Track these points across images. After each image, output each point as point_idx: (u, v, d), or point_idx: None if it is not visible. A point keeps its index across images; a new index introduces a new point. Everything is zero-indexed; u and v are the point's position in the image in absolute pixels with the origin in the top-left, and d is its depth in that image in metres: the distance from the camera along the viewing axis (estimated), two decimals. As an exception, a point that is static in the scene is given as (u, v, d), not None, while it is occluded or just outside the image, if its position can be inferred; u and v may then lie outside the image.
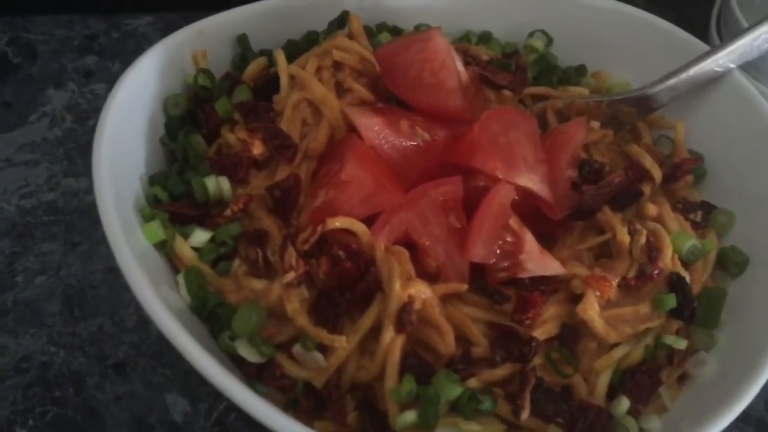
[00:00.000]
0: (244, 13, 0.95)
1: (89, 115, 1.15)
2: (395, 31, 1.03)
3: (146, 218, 0.78)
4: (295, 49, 0.95)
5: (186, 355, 0.65)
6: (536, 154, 0.83)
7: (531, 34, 1.06)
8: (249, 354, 0.72)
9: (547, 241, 0.85)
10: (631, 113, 0.94)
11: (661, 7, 1.43)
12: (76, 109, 1.16)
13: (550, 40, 1.06)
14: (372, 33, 1.00)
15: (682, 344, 0.77)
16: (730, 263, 0.85)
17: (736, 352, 0.79)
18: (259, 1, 0.97)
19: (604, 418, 0.73)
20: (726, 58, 0.91)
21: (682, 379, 0.80)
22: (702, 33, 1.20)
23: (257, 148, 0.81)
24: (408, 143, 0.82)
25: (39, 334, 0.92)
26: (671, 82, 0.92)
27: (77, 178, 1.08)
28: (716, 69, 0.92)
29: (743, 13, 1.14)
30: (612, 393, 0.76)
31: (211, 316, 0.76)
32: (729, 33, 1.16)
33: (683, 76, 0.92)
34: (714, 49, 0.92)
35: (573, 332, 0.76)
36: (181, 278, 0.76)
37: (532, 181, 0.81)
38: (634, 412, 0.75)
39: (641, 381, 0.76)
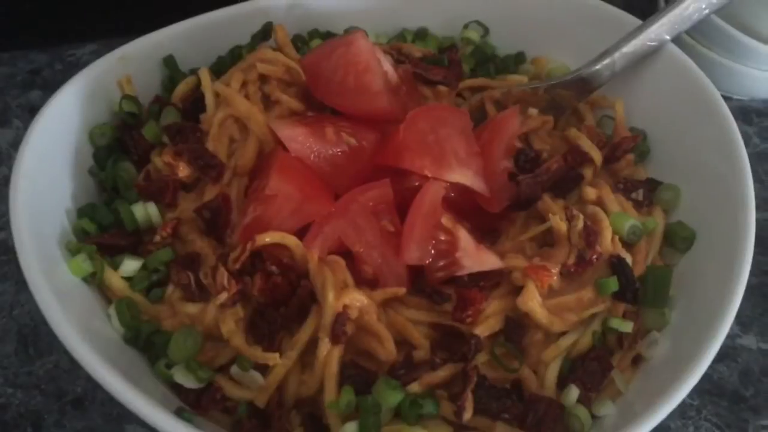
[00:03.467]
0: (168, 34, 0.94)
1: None
2: (328, 37, 1.02)
3: (72, 252, 0.77)
4: (223, 66, 0.94)
5: (113, 394, 0.64)
6: (469, 148, 0.82)
7: (466, 26, 1.05)
8: (186, 380, 0.71)
9: (491, 234, 0.84)
10: (570, 96, 0.93)
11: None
12: (23, 146, 1.15)
13: (486, 31, 1.05)
14: (304, 41, 0.99)
15: (627, 327, 0.76)
16: (678, 239, 0.83)
17: (688, 328, 0.77)
18: (184, 20, 0.96)
19: (554, 409, 0.72)
20: (658, 30, 0.90)
21: (637, 361, 0.78)
22: (654, 7, 1.19)
23: (183, 171, 0.80)
24: (335, 150, 0.80)
25: (-5, 377, 0.92)
26: (606, 61, 0.91)
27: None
28: (650, 43, 0.90)
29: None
30: (563, 383, 0.75)
31: (147, 346, 0.75)
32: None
33: (617, 54, 0.90)
34: (645, 23, 0.91)
35: (517, 325, 0.75)
36: (112, 310, 0.75)
37: (464, 176, 0.80)
38: (585, 400, 0.73)
39: (591, 368, 0.75)
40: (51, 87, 1.22)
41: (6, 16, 1.27)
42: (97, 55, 1.27)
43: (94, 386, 0.91)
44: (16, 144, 1.15)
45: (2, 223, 1.06)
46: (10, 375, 0.92)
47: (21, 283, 1.00)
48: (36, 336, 0.95)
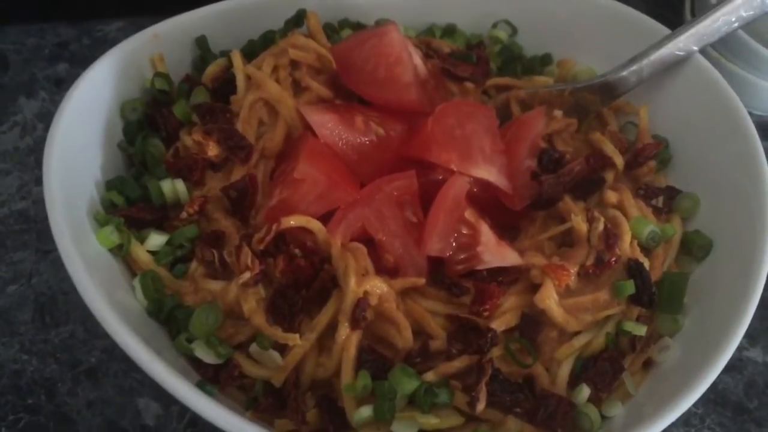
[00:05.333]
0: (202, 15, 0.95)
1: None
2: (358, 27, 1.03)
3: (101, 223, 0.78)
4: (254, 50, 0.95)
5: (137, 361, 0.65)
6: (494, 145, 0.83)
7: (495, 25, 1.06)
8: (206, 355, 0.72)
9: (511, 231, 0.85)
10: (595, 101, 0.94)
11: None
12: (48, 118, 1.15)
13: (514, 31, 1.06)
14: (334, 30, 1.00)
15: (641, 330, 0.77)
16: (694, 247, 0.84)
17: (700, 336, 0.78)
18: (218, 1, 0.97)
19: (565, 406, 0.73)
20: (686, 41, 0.91)
21: (648, 365, 0.80)
22: (678, 15, 1.20)
23: (212, 150, 0.81)
24: (363, 139, 0.81)
25: (11, 343, 0.93)
26: (633, 68, 0.91)
27: (49, 186, 1.08)
28: (677, 53, 0.91)
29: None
30: (575, 381, 0.76)
31: (168, 319, 0.76)
32: (701, 11, 1.15)
33: (644, 61, 0.91)
34: (674, 33, 0.92)
35: (533, 322, 0.76)
36: (137, 282, 0.76)
37: (489, 172, 0.81)
38: (595, 400, 0.75)
39: (603, 368, 0.76)
40: (78, 61, 1.24)
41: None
42: (125, 32, 1.30)
43: (108, 357, 0.92)
44: (41, 115, 1.16)
45: (24, 193, 1.07)
46: (26, 342, 0.93)
47: (41, 253, 1.01)
48: (53, 305, 0.96)
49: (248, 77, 0.87)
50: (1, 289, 0.97)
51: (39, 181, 1.07)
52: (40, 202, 1.06)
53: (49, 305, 0.96)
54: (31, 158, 1.11)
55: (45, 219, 1.03)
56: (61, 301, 0.97)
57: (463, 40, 1.05)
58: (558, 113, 0.92)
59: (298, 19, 0.94)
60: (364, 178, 0.81)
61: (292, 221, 0.75)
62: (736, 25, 0.90)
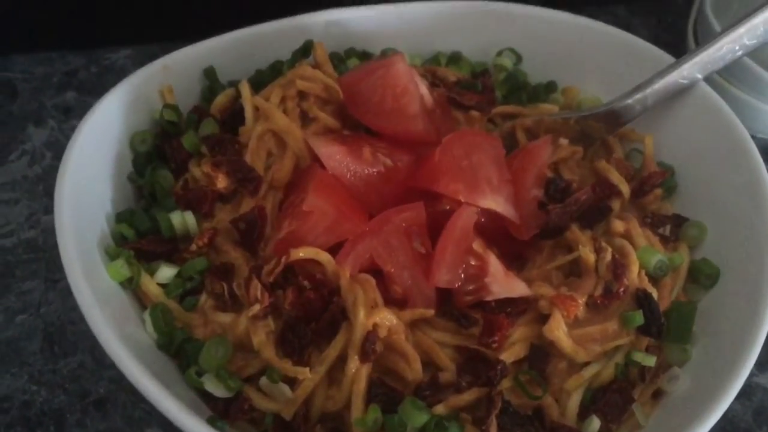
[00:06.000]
0: (210, 46, 0.96)
1: None
2: (364, 56, 1.04)
3: (111, 257, 0.78)
4: (262, 80, 0.96)
5: (147, 397, 0.65)
6: (501, 175, 0.83)
7: (500, 53, 1.06)
8: (216, 389, 0.72)
9: (518, 261, 0.86)
10: (600, 128, 0.94)
11: (642, 14, 1.44)
12: (56, 146, 1.17)
13: (519, 58, 1.07)
14: (341, 59, 1.01)
15: (650, 361, 0.77)
16: (702, 276, 0.84)
17: (710, 365, 0.78)
18: (224, 29, 0.98)
19: (575, 438, 0.73)
20: (691, 69, 0.91)
21: (657, 395, 0.79)
22: (682, 39, 1.20)
23: (221, 182, 0.82)
24: (370, 170, 0.82)
25: (20, 373, 0.93)
26: (638, 96, 0.92)
27: (57, 214, 1.08)
28: (682, 81, 0.92)
29: (718, 19, 1.14)
30: (584, 413, 0.76)
31: (179, 352, 0.76)
32: (705, 40, 1.16)
33: (649, 90, 0.92)
34: (678, 62, 0.92)
35: (542, 353, 0.76)
36: (147, 315, 0.76)
37: (496, 202, 0.81)
38: (605, 431, 0.74)
39: (613, 399, 0.76)
40: (86, 89, 1.25)
41: (43, 16, 1.29)
42: (132, 59, 1.31)
43: (116, 388, 0.92)
44: (49, 143, 1.17)
45: (33, 222, 1.08)
46: (35, 373, 0.93)
47: (50, 282, 1.01)
48: (62, 335, 0.96)
49: (256, 108, 0.88)
50: (10, 319, 0.97)
51: (48, 209, 1.09)
52: (48, 231, 1.07)
53: (57, 335, 0.96)
54: (39, 187, 1.12)
55: (53, 248, 1.04)
56: (69, 330, 0.97)
57: (469, 68, 1.06)
58: (564, 141, 0.93)
59: (306, 50, 0.95)
60: (372, 209, 0.81)
61: (301, 253, 0.75)
62: (740, 53, 0.90)
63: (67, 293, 1.00)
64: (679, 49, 1.04)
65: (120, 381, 0.93)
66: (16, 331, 0.97)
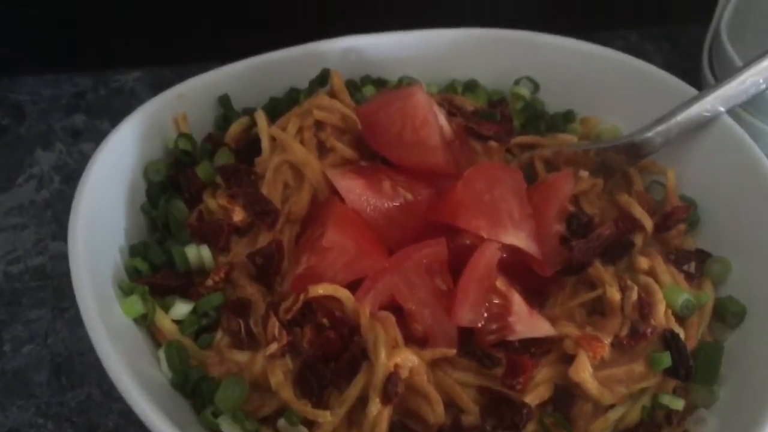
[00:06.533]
0: (224, 74, 0.95)
1: (77, 176, 1.09)
2: (380, 83, 1.02)
3: (125, 292, 0.77)
4: (277, 107, 0.94)
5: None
6: (522, 210, 0.82)
7: (517, 82, 1.05)
8: (232, 431, 0.70)
9: (539, 297, 0.84)
10: (621, 160, 0.93)
11: (655, 39, 1.43)
12: (64, 170, 1.15)
13: (536, 87, 1.05)
14: (356, 87, 1.00)
15: (678, 404, 0.75)
16: (728, 314, 0.82)
17: (737, 406, 0.76)
18: (240, 60, 0.96)
19: (601, 484, 0.71)
20: (713, 102, 0.90)
21: (683, 438, 0.77)
22: (696, 65, 1.19)
23: (238, 215, 0.80)
24: (391, 204, 0.80)
25: (26, 406, 0.91)
26: (659, 128, 0.90)
27: (65, 241, 1.04)
28: (704, 114, 0.90)
29: (734, 47, 1.13)
30: (610, 456, 0.74)
31: (194, 392, 0.74)
32: (720, 67, 1.15)
33: (671, 122, 0.90)
34: (701, 94, 0.91)
35: (567, 395, 0.74)
36: (162, 353, 0.74)
37: (518, 238, 0.79)
38: (632, 476, 0.73)
39: (639, 443, 0.74)
40: (95, 111, 1.24)
41: (51, 36, 1.28)
42: (142, 82, 1.30)
43: (125, 422, 0.91)
44: (58, 167, 1.16)
45: (40, 248, 1.06)
46: (42, 405, 0.91)
47: (57, 310, 1.00)
48: (69, 366, 0.94)
49: (273, 139, 0.86)
50: (17, 349, 0.96)
51: (56, 235, 1.07)
52: (56, 258, 1.05)
53: (65, 366, 0.95)
54: (47, 212, 1.10)
55: (62, 275, 1.04)
56: (77, 361, 0.95)
57: (485, 96, 1.04)
58: (584, 174, 0.91)
59: (323, 79, 0.94)
60: (392, 244, 0.80)
61: (321, 290, 0.73)
62: (764, 86, 0.89)
63: (75, 323, 0.99)
64: (693, 75, 1.03)
65: (129, 415, 0.90)
66: (23, 361, 0.95)
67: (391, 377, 0.69)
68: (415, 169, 0.84)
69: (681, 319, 0.79)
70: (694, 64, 1.22)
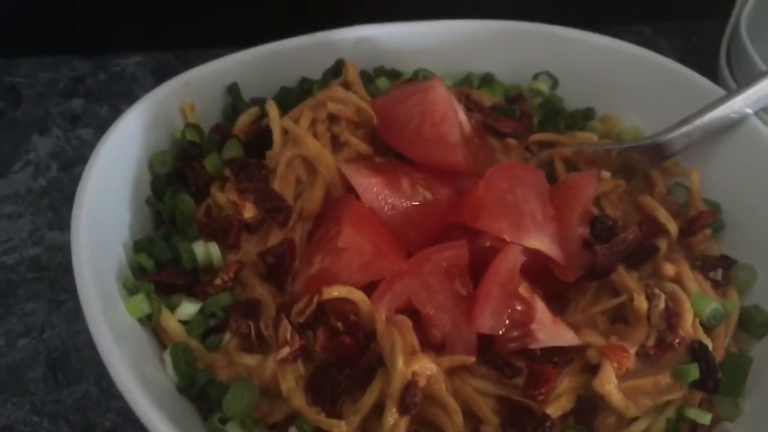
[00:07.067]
0: (233, 62, 0.91)
1: (75, 163, 1.10)
2: (393, 75, 0.99)
3: (130, 291, 0.73)
4: (288, 98, 0.91)
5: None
6: (545, 212, 0.78)
7: (536, 77, 1.02)
8: (241, 439, 0.67)
9: (558, 302, 0.80)
10: (644, 161, 0.90)
11: (668, 34, 1.40)
12: (62, 157, 1.11)
13: (555, 82, 1.02)
14: (369, 78, 0.96)
15: (706, 419, 0.72)
16: (754, 324, 0.79)
17: (763, 420, 0.74)
18: (249, 48, 0.92)
19: (623, 499, 0.68)
20: (742, 103, 0.87)
21: (707, 451, 0.75)
22: (711, 62, 1.16)
23: (249, 211, 0.76)
24: (409, 204, 0.77)
25: (21, 403, 0.87)
26: (685, 129, 0.87)
27: (62, 231, 1.03)
28: (732, 115, 0.87)
29: (754, 45, 1.10)
30: (632, 470, 0.71)
31: (200, 396, 0.71)
32: (739, 65, 1.12)
33: (697, 122, 0.87)
34: (729, 95, 0.88)
35: (590, 406, 0.71)
36: (167, 355, 0.71)
37: (541, 241, 0.76)
38: (655, 492, 0.70)
39: (663, 457, 0.71)
40: (94, 97, 1.20)
41: (49, 18, 1.23)
42: (143, 67, 1.26)
43: (123, 421, 0.87)
44: (55, 154, 1.12)
45: (36, 238, 1.02)
46: (37, 402, 0.88)
47: (53, 303, 0.96)
48: (66, 362, 0.91)
49: (285, 131, 0.82)
50: (12, 344, 0.92)
51: (52, 225, 1.03)
52: (53, 249, 1.01)
53: (61, 362, 0.91)
54: (44, 200, 1.06)
55: (58, 266, 1.00)
56: (74, 357, 0.92)
57: (502, 91, 1.01)
58: (606, 174, 0.88)
59: (337, 70, 0.90)
60: (409, 245, 0.76)
61: (335, 292, 0.70)
62: (795, 88, 0.86)
63: (72, 316, 0.95)
64: (707, 72, 1.00)
65: (128, 414, 0.86)
66: (17, 356, 0.91)
67: (410, 386, 0.66)
68: (433, 167, 0.80)
69: (708, 329, 0.76)
70: (709, 60, 1.19)
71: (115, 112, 0.98)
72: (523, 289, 0.72)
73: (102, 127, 0.83)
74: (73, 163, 1.10)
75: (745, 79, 1.06)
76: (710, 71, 1.11)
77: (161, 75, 1.19)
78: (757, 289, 0.83)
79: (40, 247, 1.01)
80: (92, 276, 0.67)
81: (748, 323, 0.80)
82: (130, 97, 1.14)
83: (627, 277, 0.78)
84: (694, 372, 0.71)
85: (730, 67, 1.15)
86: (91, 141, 1.12)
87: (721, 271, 0.82)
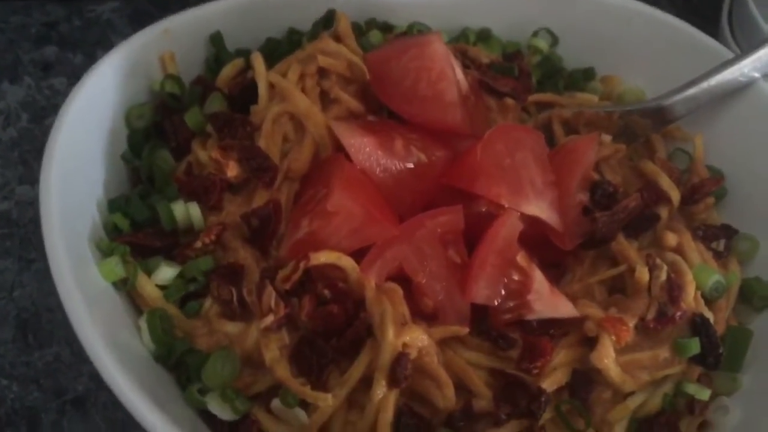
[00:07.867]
0: (217, 9, 0.86)
1: (47, 113, 1.05)
2: (386, 28, 0.94)
3: (104, 253, 0.68)
4: (275, 50, 0.86)
5: (140, 420, 0.56)
6: (544, 177, 0.75)
7: (535, 34, 0.97)
8: (221, 411, 0.64)
9: (555, 269, 0.77)
10: (646, 125, 0.86)
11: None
12: (33, 107, 1.06)
13: (555, 40, 0.97)
14: (360, 31, 0.91)
15: (705, 395, 0.70)
16: (755, 297, 0.77)
17: (761, 396, 0.72)
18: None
19: (619, 475, 0.66)
20: (751, 66, 0.83)
21: (703, 427, 0.73)
22: (711, 23, 1.12)
23: (232, 170, 0.72)
24: (403, 165, 0.73)
25: (-11, 366, 0.83)
26: (691, 92, 0.84)
27: (33, 185, 0.98)
28: (740, 79, 0.83)
29: (759, 7, 1.06)
30: (627, 445, 0.69)
31: (178, 365, 0.67)
32: (742, 27, 1.08)
33: (704, 85, 0.83)
34: (738, 57, 0.84)
35: (585, 380, 0.69)
36: (143, 322, 0.67)
37: (540, 208, 0.72)
38: (650, 467, 0.68)
39: (659, 432, 0.69)
40: (68, 44, 1.14)
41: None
42: (119, 13, 1.19)
43: (96, 386, 0.84)
44: (26, 103, 1.06)
45: (6, 192, 0.98)
46: (6, 365, 0.84)
47: (24, 261, 0.92)
48: (37, 323, 0.87)
49: (271, 85, 0.77)
50: (-20, 304, 0.88)
51: (23, 179, 0.98)
52: (23, 204, 0.97)
53: (32, 323, 0.87)
54: (14, 153, 1.01)
55: (29, 223, 0.95)
56: (45, 318, 0.88)
57: (499, 48, 0.96)
58: (606, 138, 0.84)
59: (328, 21, 0.85)
60: (401, 209, 0.72)
61: (323, 258, 0.66)
62: (806, 53, 0.82)
63: (43, 276, 0.91)
64: (708, 33, 0.96)
65: (101, 379, 0.82)
66: (-15, 316, 0.87)
67: (400, 358, 0.63)
68: (428, 127, 0.76)
69: (708, 302, 0.74)
70: (707, 20, 1.14)
71: (90, 61, 0.94)
72: (521, 258, 0.69)
73: (75, 76, 0.79)
74: (44, 114, 1.05)
75: (748, 42, 1.02)
76: (710, 32, 1.07)
77: (139, 22, 1.13)
78: (759, 260, 0.81)
79: (9, 201, 0.97)
80: (62, 236, 0.63)
81: (749, 295, 0.78)
82: (106, 45, 1.08)
83: (627, 246, 0.75)
84: (694, 346, 0.69)
85: (732, 30, 1.12)
86: (64, 91, 1.06)
87: (724, 241, 0.79)
